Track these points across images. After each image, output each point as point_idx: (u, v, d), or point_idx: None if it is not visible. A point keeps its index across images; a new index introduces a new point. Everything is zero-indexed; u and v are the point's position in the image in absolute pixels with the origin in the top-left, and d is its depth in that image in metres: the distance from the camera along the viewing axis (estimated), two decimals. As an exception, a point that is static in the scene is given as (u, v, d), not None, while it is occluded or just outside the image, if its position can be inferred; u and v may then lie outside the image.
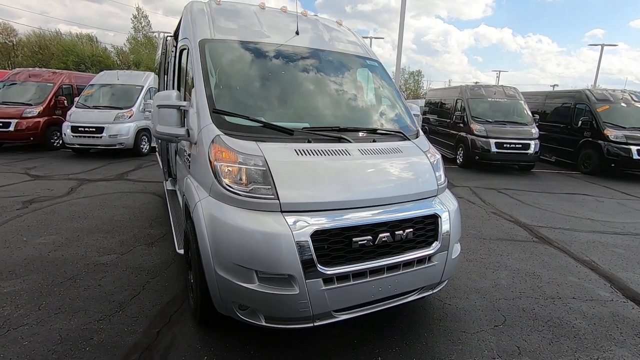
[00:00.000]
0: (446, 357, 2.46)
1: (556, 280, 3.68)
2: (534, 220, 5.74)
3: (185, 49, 3.25)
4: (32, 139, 10.24)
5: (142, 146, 10.41)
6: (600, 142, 10.09)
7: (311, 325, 2.21)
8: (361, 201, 2.32)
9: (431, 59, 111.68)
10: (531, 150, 9.94)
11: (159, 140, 5.07)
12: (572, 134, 11.12)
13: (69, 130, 9.54)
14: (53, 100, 10.79)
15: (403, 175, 2.64)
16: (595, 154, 10.21)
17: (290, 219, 2.11)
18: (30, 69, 12.26)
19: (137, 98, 10.43)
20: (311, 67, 3.17)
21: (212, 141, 2.35)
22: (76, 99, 10.56)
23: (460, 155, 10.90)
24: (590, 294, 3.44)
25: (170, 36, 4.69)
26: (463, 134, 10.78)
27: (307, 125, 2.73)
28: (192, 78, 2.88)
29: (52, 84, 11.05)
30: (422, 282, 2.52)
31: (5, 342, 2.40)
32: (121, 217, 5.00)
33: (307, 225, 2.10)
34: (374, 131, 2.94)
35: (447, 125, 12.05)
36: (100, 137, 9.56)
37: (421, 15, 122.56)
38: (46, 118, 10.49)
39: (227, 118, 2.51)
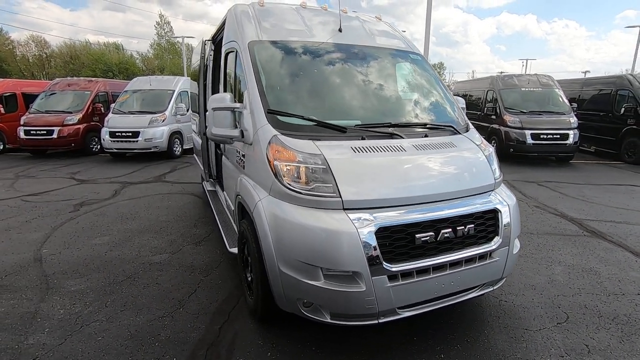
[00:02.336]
0: (511, 355, 2.40)
1: (617, 276, 3.52)
2: (582, 214, 5.50)
3: (231, 51, 3.31)
4: (73, 145, 10.74)
5: (174, 149, 10.72)
6: (646, 129, 9.53)
7: (376, 322, 2.20)
8: (421, 197, 2.30)
9: (451, 50, 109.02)
10: (570, 141, 9.51)
11: (201, 141, 5.19)
12: (613, 122, 10.55)
13: (107, 136, 9.97)
14: (90, 108, 11.27)
15: (460, 170, 2.58)
16: (640, 143, 9.67)
17: (354, 216, 2.12)
18: (69, 78, 12.85)
19: (169, 102, 10.73)
20: (356, 64, 3.16)
21: (270, 142, 2.39)
22: (112, 105, 11.00)
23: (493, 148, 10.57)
24: (656, 289, 3.27)
25: (208, 40, 4.79)
26: (495, 126, 10.46)
27: (358, 122, 2.72)
28: (242, 80, 2.93)
29: (89, 92, 11.55)
30: (484, 279, 2.47)
31: (82, 337, 2.54)
32: (166, 218, 5.18)
33: (370, 222, 2.10)
34: (424, 126, 2.90)
35: (478, 117, 11.70)
36: (137, 141, 9.92)
37: (439, 6, 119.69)
38: (85, 125, 10.97)
39: (281, 118, 2.54)
